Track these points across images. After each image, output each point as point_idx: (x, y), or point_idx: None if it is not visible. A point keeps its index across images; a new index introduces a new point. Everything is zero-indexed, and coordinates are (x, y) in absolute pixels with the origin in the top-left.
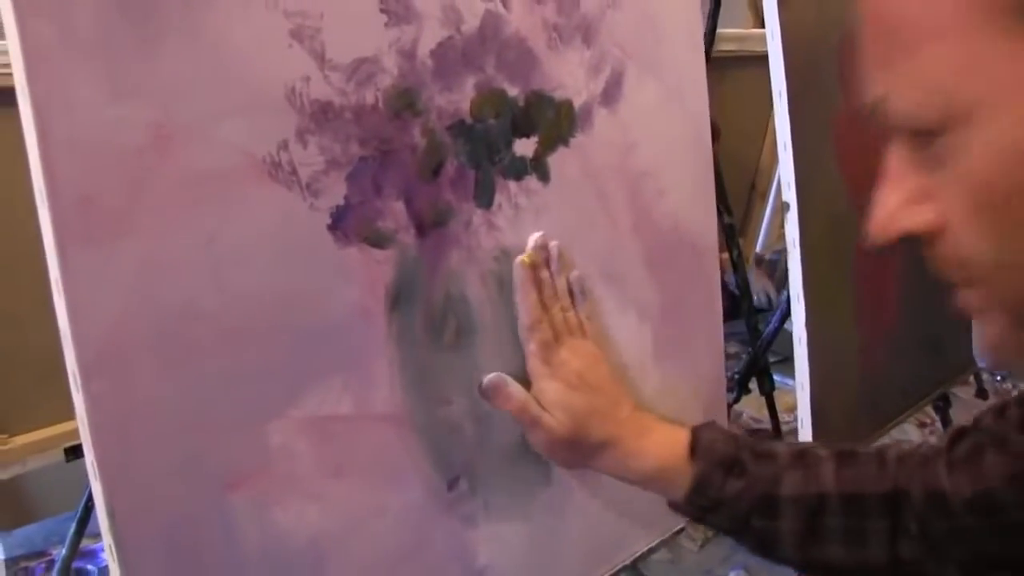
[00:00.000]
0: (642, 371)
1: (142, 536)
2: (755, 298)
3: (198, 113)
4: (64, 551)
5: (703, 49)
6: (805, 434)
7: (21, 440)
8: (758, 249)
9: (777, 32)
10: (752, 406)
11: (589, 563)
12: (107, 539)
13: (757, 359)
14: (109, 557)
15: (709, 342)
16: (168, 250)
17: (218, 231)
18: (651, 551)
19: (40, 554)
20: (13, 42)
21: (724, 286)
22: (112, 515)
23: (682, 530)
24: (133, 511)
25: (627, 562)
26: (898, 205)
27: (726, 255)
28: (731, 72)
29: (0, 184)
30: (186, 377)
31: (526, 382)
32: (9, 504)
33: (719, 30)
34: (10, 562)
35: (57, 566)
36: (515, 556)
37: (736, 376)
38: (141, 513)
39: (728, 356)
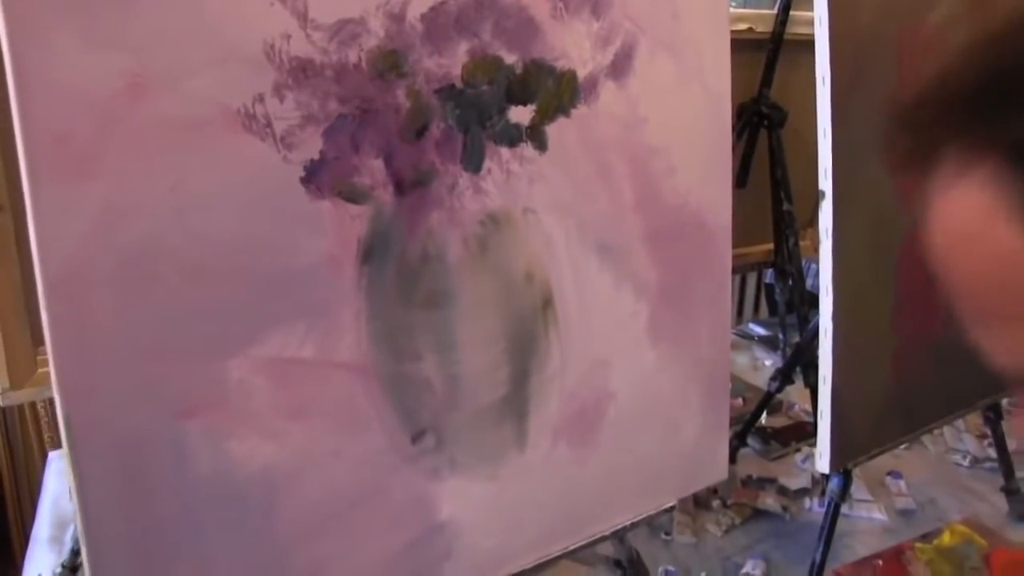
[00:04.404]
0: (635, 349)
1: (97, 447)
2: None
3: (173, 64)
4: None
5: (728, 28)
6: (823, 428)
7: None
8: None
9: (825, 17)
10: (805, 398)
11: (563, 529)
12: (64, 446)
13: (803, 350)
14: (66, 464)
15: (714, 325)
16: (133, 190)
17: (185, 175)
18: (634, 526)
19: None
20: None
21: (788, 276)
22: (69, 425)
23: (671, 509)
24: (89, 423)
25: (606, 533)
26: None
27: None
28: (805, 57)
29: None
30: (145, 308)
31: (510, 348)
32: None
33: (793, 12)
34: None
35: None
36: (481, 514)
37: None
38: (96, 426)
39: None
